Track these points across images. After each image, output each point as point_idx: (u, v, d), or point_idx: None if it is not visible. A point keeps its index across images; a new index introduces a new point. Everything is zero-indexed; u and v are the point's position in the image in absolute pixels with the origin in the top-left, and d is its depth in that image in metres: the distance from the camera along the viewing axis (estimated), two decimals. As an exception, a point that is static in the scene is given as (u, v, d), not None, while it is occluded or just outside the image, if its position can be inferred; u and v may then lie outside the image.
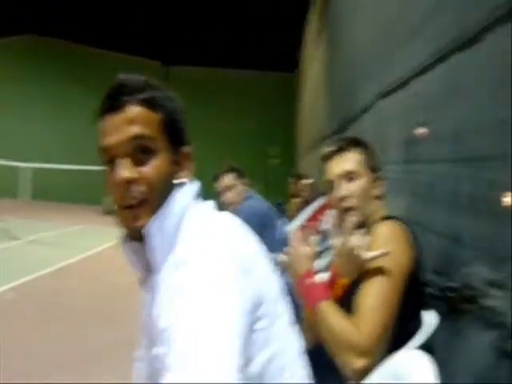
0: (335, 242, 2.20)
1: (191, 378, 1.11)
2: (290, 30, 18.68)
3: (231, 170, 4.94)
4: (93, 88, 23.63)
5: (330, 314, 2.08)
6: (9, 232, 13.04)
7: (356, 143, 2.43)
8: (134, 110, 1.42)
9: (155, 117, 1.43)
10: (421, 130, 3.08)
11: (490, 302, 2.00)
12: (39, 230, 13.88)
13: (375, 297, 2.05)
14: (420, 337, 2.14)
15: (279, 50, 21.17)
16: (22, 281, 8.05)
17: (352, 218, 2.25)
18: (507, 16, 1.90)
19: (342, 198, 2.33)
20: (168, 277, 1.33)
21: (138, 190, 1.39)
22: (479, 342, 2.08)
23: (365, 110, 5.29)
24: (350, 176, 2.35)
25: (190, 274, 1.26)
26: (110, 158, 1.42)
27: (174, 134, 1.47)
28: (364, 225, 2.32)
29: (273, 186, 18.01)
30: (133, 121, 1.41)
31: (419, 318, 2.25)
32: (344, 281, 2.16)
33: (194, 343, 1.16)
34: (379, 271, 2.08)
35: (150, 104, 1.43)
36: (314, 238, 2.37)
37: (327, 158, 2.42)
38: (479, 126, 2.18)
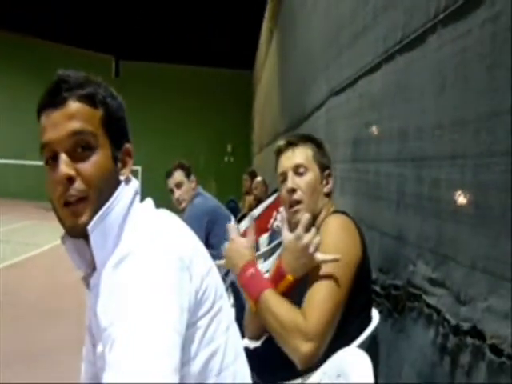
0: (285, 236, 2.19)
1: (128, 377, 1.12)
2: (248, 27, 18.64)
3: (180, 167, 4.98)
4: (43, 81, 23.43)
5: (275, 301, 2.09)
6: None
7: (307, 139, 2.50)
8: (74, 105, 1.41)
9: (95, 113, 1.43)
10: (369, 130, 3.11)
11: (431, 300, 2.03)
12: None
13: (323, 286, 2.09)
14: (364, 334, 2.17)
15: (236, 46, 21.15)
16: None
17: (299, 213, 2.31)
18: (451, 17, 1.93)
19: (291, 191, 2.37)
20: (110, 275, 1.33)
21: (78, 186, 1.37)
22: (422, 339, 2.11)
23: (316, 109, 5.32)
24: (299, 170, 2.39)
25: (131, 273, 1.27)
26: (50, 154, 1.41)
27: (114, 130, 1.46)
28: (311, 220, 2.34)
29: (228, 184, 18.01)
30: (73, 116, 1.40)
31: (369, 313, 2.29)
32: (290, 277, 2.16)
33: (132, 342, 1.16)
34: (329, 263, 2.12)
35: (90, 100, 1.43)
36: (253, 226, 2.40)
37: (279, 151, 2.48)
38: (424, 125, 2.21)
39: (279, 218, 6.11)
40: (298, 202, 2.37)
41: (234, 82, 24.96)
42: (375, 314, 2.33)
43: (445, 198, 1.95)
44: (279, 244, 5.27)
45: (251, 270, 2.19)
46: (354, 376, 1.51)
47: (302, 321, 2.02)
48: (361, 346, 2.07)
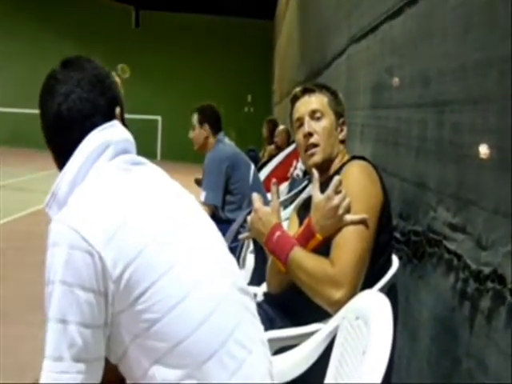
0: (316, 197, 2.20)
1: None
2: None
3: (197, 110, 4.95)
4: (62, 33, 23.33)
5: (303, 257, 2.13)
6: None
7: (323, 87, 2.53)
8: None
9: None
10: (389, 75, 3.07)
11: (452, 246, 2.02)
12: (10, 175, 13.74)
13: (349, 232, 2.12)
14: (384, 279, 2.18)
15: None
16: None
17: (315, 157, 2.37)
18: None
19: (307, 135, 2.39)
20: None
21: None
22: (441, 285, 2.11)
23: (337, 57, 5.26)
24: (315, 115, 2.42)
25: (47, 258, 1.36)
26: None
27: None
28: (326, 166, 2.39)
29: (248, 134, 17.95)
30: None
31: (390, 257, 2.31)
32: (318, 236, 2.18)
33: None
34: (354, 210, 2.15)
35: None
36: (277, 188, 2.42)
37: (295, 98, 2.50)
38: (446, 69, 2.17)
39: (299, 166, 6.13)
40: (315, 146, 2.39)
41: (254, 32, 24.69)
42: (395, 260, 2.32)
43: (467, 142, 1.92)
44: (299, 192, 5.29)
45: (278, 233, 2.23)
46: (373, 319, 1.51)
47: (330, 268, 2.06)
48: (380, 291, 2.07)
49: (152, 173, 1.59)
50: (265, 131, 9.55)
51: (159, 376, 1.37)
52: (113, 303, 1.33)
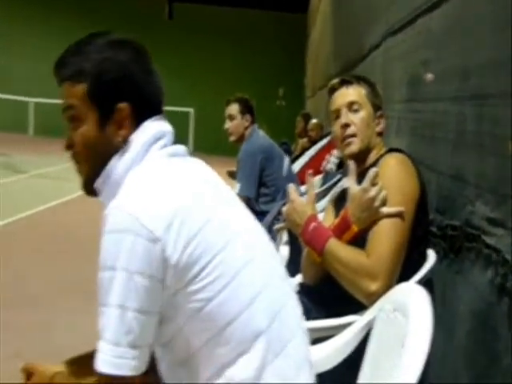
0: (352, 188, 2.22)
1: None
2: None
3: (238, 100, 4.92)
4: (98, 24, 23.52)
5: (340, 248, 2.15)
6: (14, 166, 13.09)
7: (361, 79, 2.53)
8: (63, 87, 1.57)
9: (78, 89, 1.54)
10: (427, 68, 3.05)
11: (491, 240, 2.01)
12: (44, 164, 13.93)
13: (386, 225, 2.13)
14: (421, 272, 2.17)
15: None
16: (28, 213, 8.12)
17: (352, 146, 2.38)
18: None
19: (345, 126, 2.39)
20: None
21: (73, 157, 1.59)
22: (479, 280, 2.09)
23: (373, 49, 5.23)
24: (353, 107, 2.42)
25: (102, 245, 1.37)
26: None
27: (100, 98, 1.54)
28: (362, 157, 2.39)
29: (280, 127, 17.93)
30: (63, 95, 1.57)
31: (425, 250, 2.31)
32: (354, 228, 2.19)
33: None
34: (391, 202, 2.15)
35: (74, 78, 1.54)
36: (313, 179, 2.43)
37: (333, 89, 2.51)
38: (484, 63, 2.16)
39: (332, 160, 6.11)
40: (352, 136, 2.39)
41: (286, 25, 24.65)
42: (431, 254, 2.31)
43: (507, 136, 1.90)
44: (332, 186, 5.27)
45: (313, 224, 2.24)
46: (413, 311, 1.50)
47: (366, 260, 2.08)
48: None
49: (198, 162, 1.62)
50: (299, 125, 9.55)
51: (209, 357, 1.40)
52: (168, 287, 1.36)
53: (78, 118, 1.54)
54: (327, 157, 6.15)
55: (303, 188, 5.40)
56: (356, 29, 6.67)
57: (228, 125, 4.90)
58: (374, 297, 2.00)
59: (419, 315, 1.47)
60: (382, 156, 2.36)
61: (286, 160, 5.00)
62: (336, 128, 2.44)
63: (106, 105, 1.53)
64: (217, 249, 1.40)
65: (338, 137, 2.43)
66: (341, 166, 6.30)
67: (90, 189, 1.59)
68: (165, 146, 1.56)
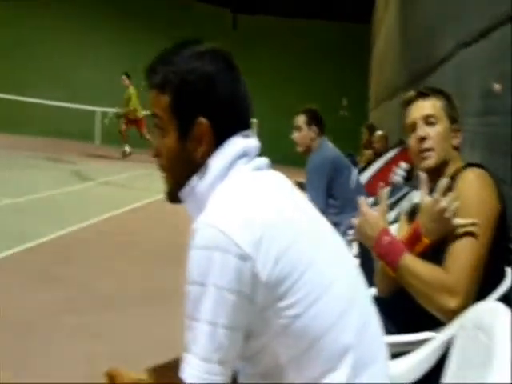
0: (423, 199, 2.20)
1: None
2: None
3: (305, 112, 4.92)
4: (164, 34, 23.86)
5: (415, 263, 2.13)
6: (82, 174, 13.36)
7: (437, 91, 2.47)
8: (151, 93, 1.57)
9: (163, 98, 1.53)
10: (503, 81, 3.00)
11: None
12: (112, 172, 14.16)
13: (464, 240, 2.09)
14: (500, 290, 2.14)
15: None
16: (95, 220, 8.22)
17: (428, 161, 2.33)
18: None
19: (421, 139, 2.36)
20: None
21: (159, 162, 1.60)
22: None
23: (444, 61, 5.17)
24: (429, 120, 2.37)
25: (190, 261, 1.36)
26: None
27: (182, 111, 1.52)
28: (438, 171, 2.34)
29: (343, 138, 17.83)
30: (151, 102, 1.57)
31: (504, 268, 2.26)
32: (426, 240, 2.17)
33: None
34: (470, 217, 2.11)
35: (160, 87, 1.54)
36: (385, 192, 2.40)
37: (408, 102, 2.46)
38: None
39: (399, 173, 6.07)
40: (428, 150, 2.35)
41: (350, 35, 24.54)
42: (509, 272, 2.27)
43: None
44: (399, 199, 5.23)
45: (387, 238, 2.22)
46: (498, 332, 1.47)
47: (445, 276, 2.05)
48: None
49: (277, 174, 1.61)
50: (364, 136, 9.50)
51: (296, 371, 1.39)
52: (257, 303, 1.35)
53: (162, 128, 1.54)
54: (394, 169, 6.13)
55: (371, 200, 5.38)
56: (424, 40, 6.60)
57: (294, 135, 4.90)
58: (454, 314, 1.96)
59: (506, 337, 1.44)
60: (459, 170, 2.31)
61: (355, 172, 4.97)
62: (412, 141, 2.40)
63: (185, 118, 1.51)
64: (305, 265, 1.39)
65: (414, 150, 2.40)
66: (408, 178, 6.26)
67: (173, 198, 1.61)
68: (250, 160, 1.54)
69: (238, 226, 1.35)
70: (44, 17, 24.16)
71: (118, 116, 18.01)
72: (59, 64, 24.28)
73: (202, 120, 1.50)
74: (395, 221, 4.74)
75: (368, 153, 8.81)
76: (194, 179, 1.51)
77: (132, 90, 16.93)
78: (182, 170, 1.54)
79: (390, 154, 6.77)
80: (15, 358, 3.67)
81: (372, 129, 9.55)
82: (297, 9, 23.31)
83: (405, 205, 4.30)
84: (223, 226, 1.34)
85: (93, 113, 22.92)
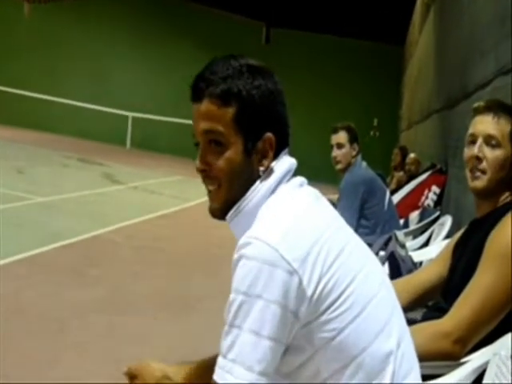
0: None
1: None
2: (399, 2, 18.16)
3: (347, 128, 4.89)
4: (197, 44, 24.01)
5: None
6: (112, 176, 13.47)
7: (509, 112, 2.25)
8: (206, 105, 1.52)
9: (226, 112, 1.52)
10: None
11: None
12: (142, 177, 14.25)
13: (476, 291, 1.99)
14: None
15: (386, 21, 20.63)
16: (123, 224, 8.29)
17: (477, 182, 2.22)
18: None
19: (475, 158, 2.22)
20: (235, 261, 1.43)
21: (211, 180, 1.57)
22: None
23: (480, 88, 5.17)
24: (491, 141, 2.20)
25: (237, 274, 1.40)
26: (196, 141, 1.58)
27: (250, 123, 1.53)
28: (490, 195, 2.23)
29: (373, 158, 17.79)
30: (205, 116, 1.53)
31: None
32: None
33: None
34: (495, 267, 1.98)
35: (222, 99, 1.51)
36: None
37: (479, 111, 2.28)
38: None
39: (430, 196, 6.06)
40: (481, 171, 2.21)
41: (382, 56, 24.44)
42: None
43: None
44: (430, 223, 5.24)
45: None
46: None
47: (440, 321, 1.99)
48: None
49: (315, 191, 1.64)
50: (396, 158, 9.50)
51: None
52: (301, 317, 1.38)
53: (221, 143, 1.52)
54: (426, 192, 6.14)
55: (402, 221, 5.40)
56: (460, 66, 6.60)
57: (336, 153, 4.84)
58: (451, 357, 1.93)
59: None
60: None
61: (388, 193, 4.97)
62: (467, 154, 2.27)
63: (253, 132, 1.53)
64: (349, 279, 1.43)
65: (468, 164, 2.26)
66: (439, 202, 6.27)
67: (222, 215, 1.60)
68: (291, 177, 1.59)
69: (287, 242, 1.39)
70: (83, 18, 24.47)
71: None
72: (95, 65, 24.58)
73: (269, 135, 1.54)
74: (425, 244, 4.77)
75: (399, 175, 8.81)
76: (251, 191, 1.54)
77: None
78: (242, 185, 1.55)
79: (422, 177, 6.78)
80: (45, 353, 3.76)
81: (404, 151, 9.55)
82: (331, 26, 23.31)
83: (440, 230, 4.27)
84: (273, 241, 1.38)
85: (125, 117, 23.15)
